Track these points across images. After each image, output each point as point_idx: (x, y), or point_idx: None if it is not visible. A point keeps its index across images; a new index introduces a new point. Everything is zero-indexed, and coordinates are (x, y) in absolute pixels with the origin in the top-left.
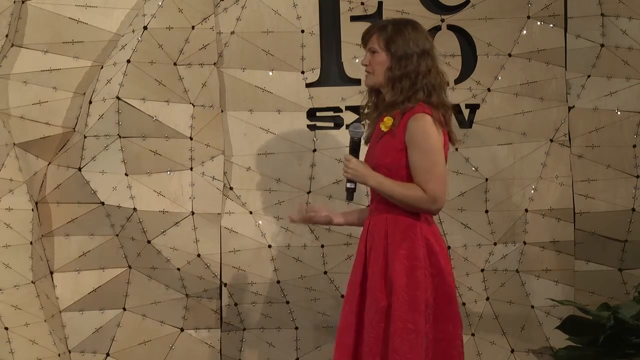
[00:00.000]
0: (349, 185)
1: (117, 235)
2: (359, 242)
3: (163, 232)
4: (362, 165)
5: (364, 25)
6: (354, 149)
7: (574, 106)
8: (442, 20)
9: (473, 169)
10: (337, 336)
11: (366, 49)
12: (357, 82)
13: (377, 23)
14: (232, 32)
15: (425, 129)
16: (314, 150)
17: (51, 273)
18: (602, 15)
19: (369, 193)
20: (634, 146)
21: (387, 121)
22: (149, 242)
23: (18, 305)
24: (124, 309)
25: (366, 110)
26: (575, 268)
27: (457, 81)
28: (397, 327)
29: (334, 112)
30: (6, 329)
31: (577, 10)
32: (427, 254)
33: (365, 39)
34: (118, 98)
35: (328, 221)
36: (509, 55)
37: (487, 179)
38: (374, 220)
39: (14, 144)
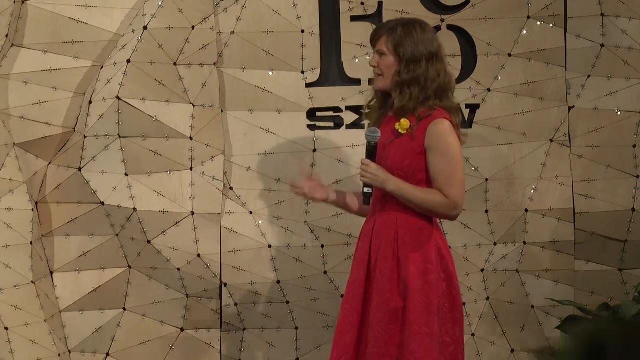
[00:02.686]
0: (366, 190)
1: (117, 235)
2: (361, 240)
3: (163, 232)
4: (381, 170)
5: (364, 25)
6: (371, 153)
7: (574, 106)
8: (442, 20)
9: (473, 169)
10: (336, 334)
11: (374, 50)
12: (357, 82)
13: (386, 24)
14: (232, 32)
15: (446, 134)
16: (314, 150)
17: (51, 273)
18: (602, 15)
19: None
20: (634, 146)
21: (405, 123)
22: (149, 242)
23: (18, 305)
24: (124, 309)
25: (367, 110)
26: (575, 268)
27: (457, 81)
28: (413, 330)
29: (334, 112)
30: (6, 329)
31: (577, 10)
32: (438, 258)
33: (374, 40)
34: (118, 98)
35: (324, 198)
36: (509, 55)
37: (487, 179)
38: (381, 220)
39: (14, 144)
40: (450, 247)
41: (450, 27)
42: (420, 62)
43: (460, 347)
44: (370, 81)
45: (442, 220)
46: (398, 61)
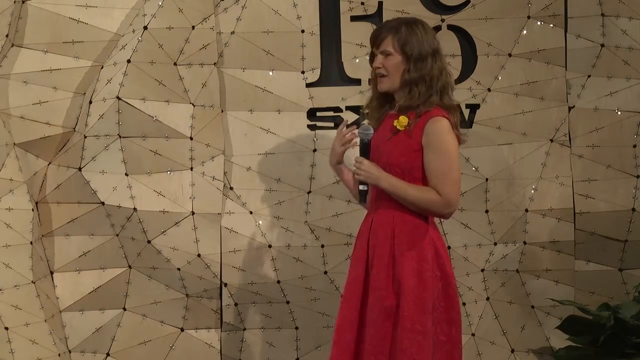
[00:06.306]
0: (361, 187)
1: (117, 235)
2: (359, 239)
3: (163, 232)
4: (374, 167)
5: (364, 25)
6: (364, 151)
7: (574, 106)
8: (442, 20)
9: (473, 169)
10: (336, 333)
11: (378, 52)
12: (357, 82)
13: (387, 24)
14: (232, 32)
15: (443, 132)
16: (314, 150)
17: (51, 273)
18: (602, 15)
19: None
20: (634, 146)
21: (403, 120)
22: (149, 242)
23: (18, 305)
24: (124, 309)
25: (366, 111)
26: (575, 268)
27: (458, 81)
28: (405, 327)
29: (334, 112)
30: (6, 329)
31: (577, 10)
32: (435, 257)
33: (377, 41)
34: (118, 98)
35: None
36: (509, 55)
37: (487, 179)
38: (378, 217)
39: (14, 144)
40: (450, 247)
41: (451, 27)
42: (426, 59)
43: (457, 347)
44: (370, 81)
45: (441, 220)
46: (406, 60)
